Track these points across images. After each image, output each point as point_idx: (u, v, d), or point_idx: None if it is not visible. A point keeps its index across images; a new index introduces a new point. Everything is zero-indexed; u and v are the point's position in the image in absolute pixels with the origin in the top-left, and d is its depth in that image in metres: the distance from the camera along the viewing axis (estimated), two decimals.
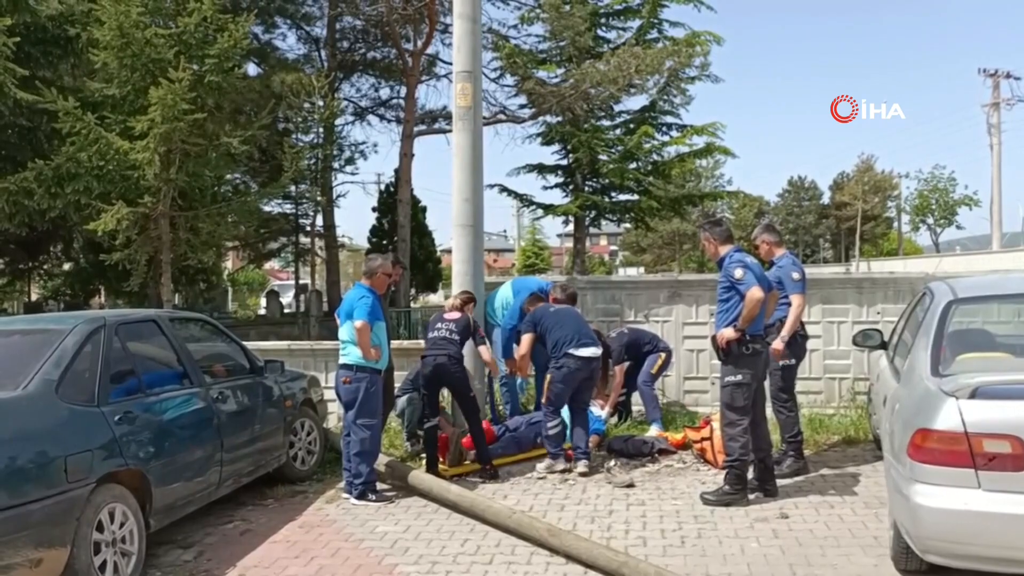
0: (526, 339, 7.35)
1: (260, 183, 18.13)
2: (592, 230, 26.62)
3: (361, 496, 6.29)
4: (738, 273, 5.78)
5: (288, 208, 23.45)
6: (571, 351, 6.97)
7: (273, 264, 43.62)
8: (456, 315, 7.27)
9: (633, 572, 4.58)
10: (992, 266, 23.18)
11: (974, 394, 3.83)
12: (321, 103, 16.76)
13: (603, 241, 72.61)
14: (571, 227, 23.23)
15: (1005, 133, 39.72)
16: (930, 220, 58.71)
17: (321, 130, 20.45)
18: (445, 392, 7.43)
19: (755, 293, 5.66)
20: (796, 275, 6.65)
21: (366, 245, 27.68)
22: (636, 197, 21.88)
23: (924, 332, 4.68)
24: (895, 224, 61.58)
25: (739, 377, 5.89)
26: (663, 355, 8.16)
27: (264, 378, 6.68)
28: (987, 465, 3.75)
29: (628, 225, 29.80)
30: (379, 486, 6.53)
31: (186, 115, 11.29)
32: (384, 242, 24.11)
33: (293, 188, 20.97)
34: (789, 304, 6.59)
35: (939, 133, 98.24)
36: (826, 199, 67.69)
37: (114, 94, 12.21)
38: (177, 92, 11.11)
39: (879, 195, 60.43)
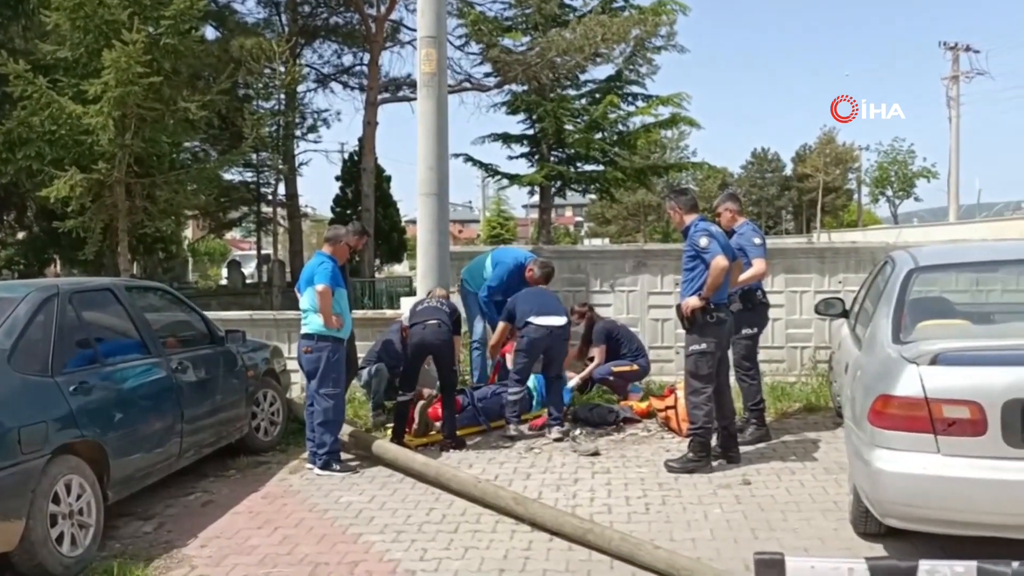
0: (501, 327, 7.56)
1: (220, 151, 17.77)
2: (557, 201, 26.61)
3: (325, 466, 6.24)
4: (703, 242, 5.79)
5: (249, 177, 22.90)
6: (531, 319, 7.10)
7: (234, 234, 43.01)
8: (446, 296, 7.45)
9: (598, 539, 4.60)
10: (949, 237, 23.59)
11: (935, 360, 3.86)
12: (282, 69, 16.42)
13: (568, 212, 72.56)
14: (536, 198, 23.16)
15: (964, 106, 40.29)
16: (889, 192, 59.53)
17: (282, 97, 20.06)
18: None
19: (720, 262, 5.68)
20: (757, 240, 6.71)
21: (329, 215, 27.36)
22: (602, 167, 21.86)
23: (886, 300, 4.72)
24: (855, 196, 62.32)
25: (703, 346, 5.91)
26: (635, 367, 8.13)
27: (225, 348, 6.57)
28: (946, 430, 3.80)
29: (593, 196, 29.82)
30: (343, 456, 6.49)
31: (141, 79, 10.95)
32: (348, 211, 23.85)
33: (254, 156, 20.52)
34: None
35: (899, 105, 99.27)
36: (789, 171, 68.26)
37: (67, 57, 11.80)
38: (131, 54, 10.76)
39: (840, 167, 61.02)
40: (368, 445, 6.54)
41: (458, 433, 7.02)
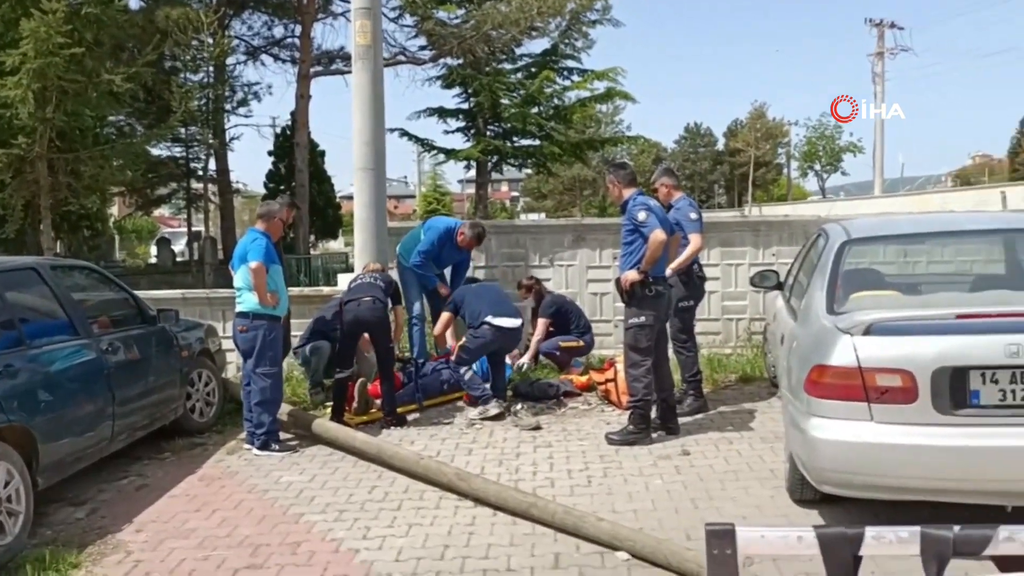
0: (444, 318, 7.44)
1: (146, 125, 17.16)
2: (494, 176, 26.50)
3: (264, 446, 6.15)
4: (641, 215, 5.82)
5: (178, 152, 22.14)
6: (489, 319, 6.98)
7: (163, 211, 41.78)
8: (380, 270, 7.33)
9: (541, 512, 4.62)
10: (875, 210, 24.25)
11: (868, 331, 3.96)
12: (211, 40, 15.90)
13: (504, 187, 72.15)
14: (473, 172, 23.00)
15: (888, 82, 41.31)
16: (817, 166, 60.88)
17: (211, 69, 19.46)
18: None
19: (658, 235, 5.71)
20: (693, 215, 6.78)
21: (262, 191, 26.74)
22: (538, 142, 21.81)
23: (820, 272, 4.82)
24: (785, 170, 63.56)
25: (642, 319, 5.96)
26: (581, 343, 8.16)
27: (157, 328, 6.39)
28: (879, 398, 3.90)
29: (530, 171, 29.79)
30: (283, 435, 6.39)
31: (62, 49, 10.47)
32: (281, 187, 23.28)
33: (183, 131, 19.88)
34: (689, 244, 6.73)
35: (826, 81, 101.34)
36: (721, 146, 69.21)
37: None
38: (51, 24, 10.27)
39: (770, 142, 62.10)
40: (308, 424, 6.45)
41: (398, 410, 6.96)
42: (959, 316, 3.89)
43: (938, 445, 3.81)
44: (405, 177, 69.49)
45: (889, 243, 5.22)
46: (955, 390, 3.82)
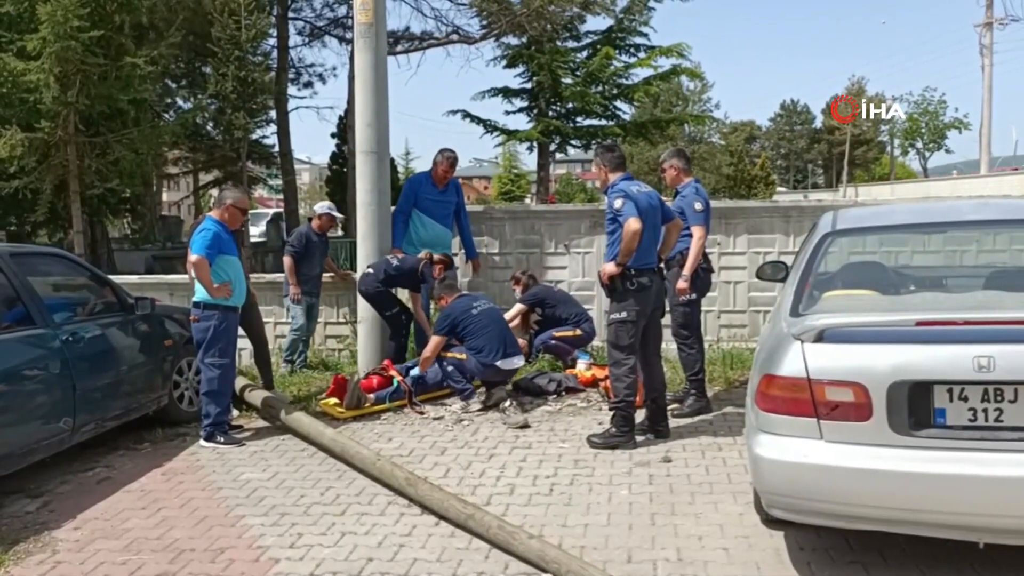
0: (436, 341, 6.90)
1: (196, 103, 17.20)
2: (569, 156, 25.91)
3: (209, 438, 6.02)
4: (618, 203, 5.36)
5: (238, 134, 22.08)
6: (497, 363, 6.74)
7: (262, 192, 42.55)
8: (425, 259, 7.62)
9: (478, 525, 4.30)
10: (984, 190, 22.53)
11: (820, 337, 3.45)
12: (263, 18, 15.83)
13: (579, 169, 70.41)
14: (535, 154, 22.49)
15: (997, 55, 38.66)
16: (919, 144, 57.85)
17: (274, 51, 19.44)
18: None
19: (631, 225, 5.23)
20: (699, 205, 6.25)
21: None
22: (602, 122, 21.14)
23: (796, 267, 4.31)
24: (887, 148, 60.69)
25: (623, 314, 5.51)
26: (578, 332, 7.74)
27: (135, 316, 6.26)
28: (829, 414, 3.40)
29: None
30: (258, 424, 6.23)
31: (80, 33, 10.50)
32: (344, 168, 23.32)
33: (245, 116, 19.74)
34: (692, 236, 6.23)
35: (930, 54, 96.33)
36: (819, 123, 66.75)
37: (8, 11, 11.39)
38: (67, 7, 10.30)
39: (871, 118, 59.30)
40: (282, 415, 6.27)
41: (390, 404, 6.80)
42: (919, 323, 3.33)
43: (894, 470, 3.28)
44: (496, 158, 69.22)
45: (880, 234, 4.60)
46: (916, 408, 3.29)
